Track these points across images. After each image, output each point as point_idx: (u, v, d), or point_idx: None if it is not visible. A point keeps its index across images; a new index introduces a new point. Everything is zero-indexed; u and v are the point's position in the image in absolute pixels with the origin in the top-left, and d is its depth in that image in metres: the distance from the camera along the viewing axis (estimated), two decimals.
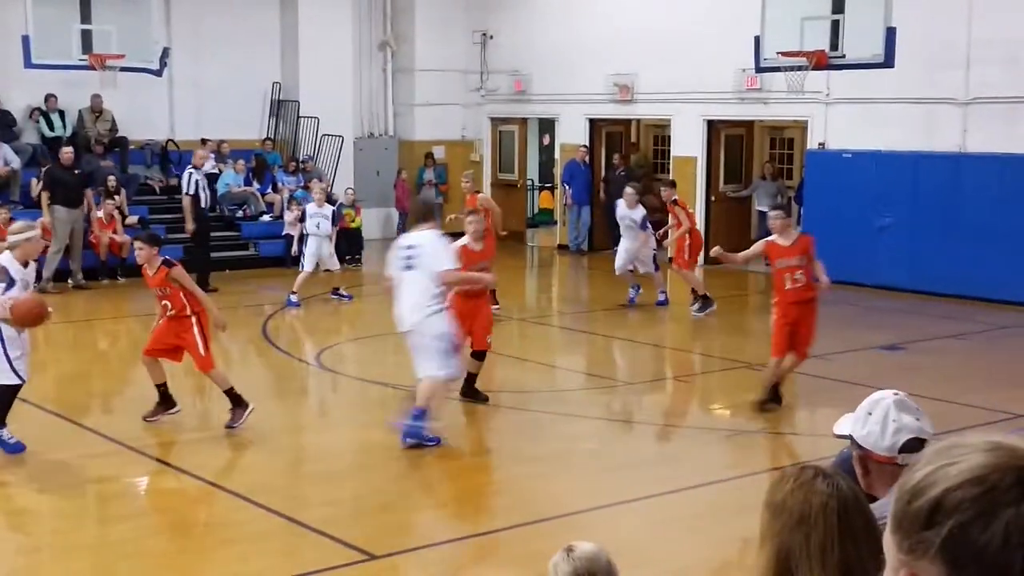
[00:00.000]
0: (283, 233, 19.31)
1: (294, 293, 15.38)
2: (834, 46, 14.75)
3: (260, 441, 9.36)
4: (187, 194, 16.73)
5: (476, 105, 23.46)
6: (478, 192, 15.61)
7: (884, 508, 2.61)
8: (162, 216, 19.44)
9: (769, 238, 10.41)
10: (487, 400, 10.39)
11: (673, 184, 16.31)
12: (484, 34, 22.98)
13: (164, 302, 9.38)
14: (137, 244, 9.59)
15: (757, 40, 15.17)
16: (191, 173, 16.88)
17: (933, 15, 15.99)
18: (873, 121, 17.04)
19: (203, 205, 16.97)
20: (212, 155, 20.33)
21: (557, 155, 22.77)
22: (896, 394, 3.41)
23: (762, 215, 20.39)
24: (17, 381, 8.51)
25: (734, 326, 14.95)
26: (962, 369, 12.15)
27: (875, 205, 16.86)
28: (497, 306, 14.84)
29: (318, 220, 15.81)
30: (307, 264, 15.69)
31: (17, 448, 8.60)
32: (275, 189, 20.36)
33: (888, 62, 14.12)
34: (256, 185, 20.24)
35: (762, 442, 9.56)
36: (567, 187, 21.73)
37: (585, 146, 21.66)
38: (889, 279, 16.68)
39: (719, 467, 8.96)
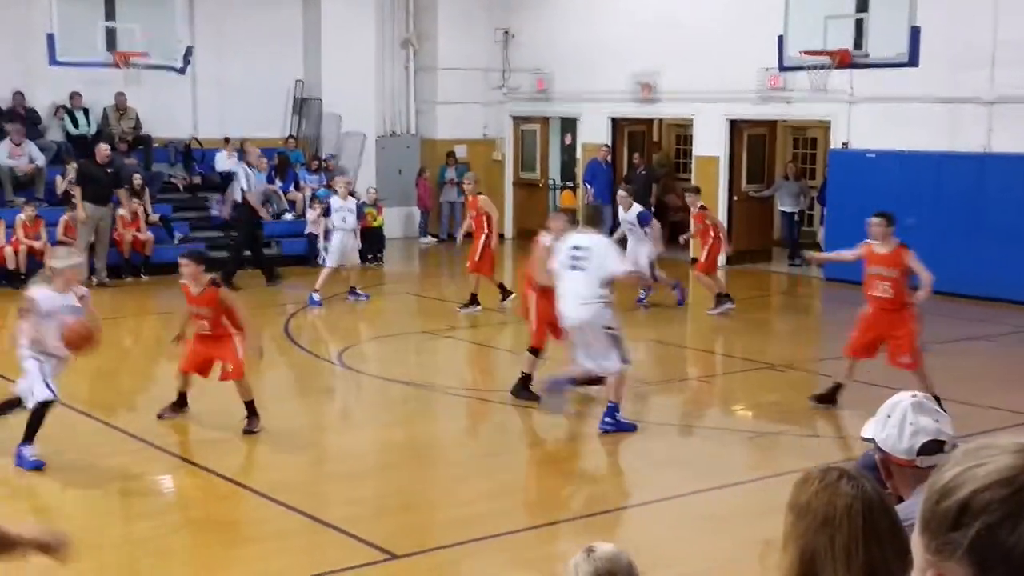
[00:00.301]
0: (305, 232, 19.36)
1: (316, 291, 15.39)
2: (858, 45, 14.70)
3: (283, 440, 9.39)
4: (244, 189, 17.46)
5: (498, 104, 23.47)
6: (480, 195, 15.57)
7: (909, 509, 2.60)
8: (185, 214, 19.56)
9: (868, 241, 10.16)
10: (540, 400, 10.28)
11: (698, 191, 16.23)
12: (506, 32, 22.98)
13: (202, 321, 9.37)
14: (183, 261, 9.56)
15: (780, 39, 15.13)
16: (244, 168, 17.69)
17: (958, 15, 15.89)
18: (897, 121, 16.95)
19: (248, 201, 17.51)
20: (236, 153, 20.46)
21: (579, 154, 22.75)
22: (914, 396, 3.41)
23: (784, 215, 20.36)
24: (51, 396, 8.42)
25: (756, 326, 14.90)
26: (987, 371, 12.08)
27: (899, 206, 16.73)
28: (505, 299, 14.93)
29: (344, 214, 15.70)
30: (330, 260, 15.67)
31: (36, 465, 8.39)
32: (297, 187, 20.42)
33: (912, 61, 14.06)
34: (279, 183, 20.30)
35: (784, 443, 9.53)
36: (589, 186, 21.69)
37: (607, 145, 21.63)
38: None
39: (741, 468, 8.94)
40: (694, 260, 16.07)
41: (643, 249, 14.92)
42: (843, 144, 18.04)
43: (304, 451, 9.41)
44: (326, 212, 16.49)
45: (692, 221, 16.09)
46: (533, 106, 23.05)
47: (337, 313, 15.55)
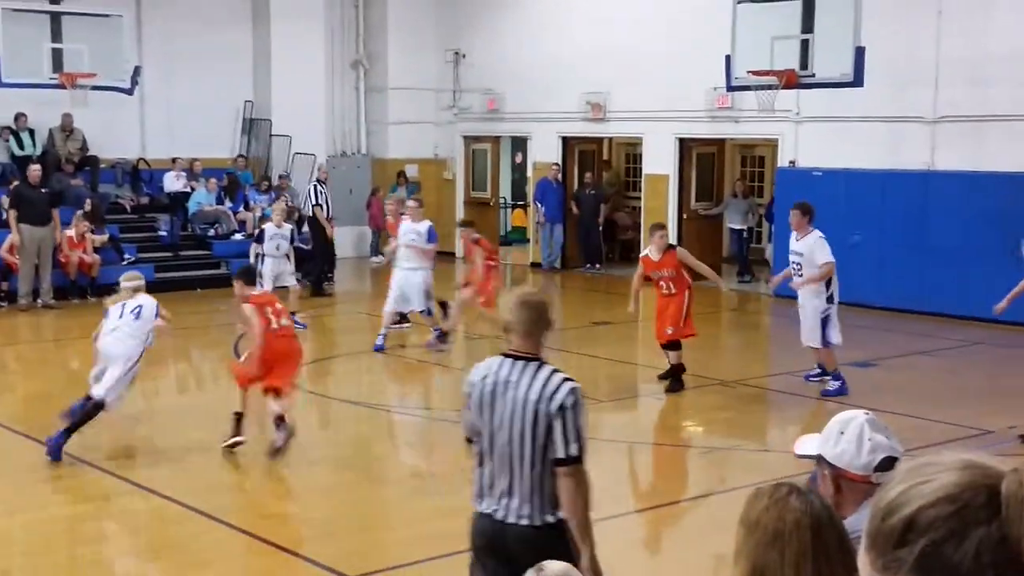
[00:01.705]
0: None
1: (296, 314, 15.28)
2: (804, 65, 14.87)
3: (233, 461, 9.31)
4: (315, 205, 18.53)
5: (449, 123, 23.51)
6: (403, 214, 15.24)
7: (854, 524, 2.63)
8: (133, 235, 19.38)
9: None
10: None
11: (471, 224, 15.14)
12: (456, 53, 23.05)
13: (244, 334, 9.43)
14: (236, 281, 9.88)
15: (728, 59, 15.29)
16: (316, 186, 18.78)
17: (901, 35, 16.17)
18: (843, 139, 17.20)
19: (328, 216, 18.73)
20: (184, 173, 20.33)
21: (530, 173, 22.84)
22: (867, 413, 3.44)
23: (733, 232, 20.56)
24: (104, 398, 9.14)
25: (707, 343, 14.99)
26: (933, 385, 12.24)
27: (845, 223, 16.99)
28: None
29: (278, 241, 15.33)
30: (266, 284, 15.37)
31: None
32: (247, 208, 20.32)
33: (857, 81, 14.25)
34: (228, 204, 20.18)
35: (736, 459, 9.59)
36: (540, 205, 21.80)
37: (557, 164, 21.74)
38: (860, 296, 16.76)
39: (693, 484, 8.98)
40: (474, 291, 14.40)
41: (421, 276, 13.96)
42: (790, 162, 18.26)
43: (254, 472, 9.33)
44: (258, 238, 16.18)
45: (471, 255, 14.73)
46: (484, 126, 23.12)
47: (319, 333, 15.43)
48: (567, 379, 4.61)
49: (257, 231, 16.75)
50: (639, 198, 21.36)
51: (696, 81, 18.46)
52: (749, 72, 15.10)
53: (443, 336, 13.93)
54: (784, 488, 2.55)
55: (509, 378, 4.58)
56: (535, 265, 22.29)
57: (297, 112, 21.44)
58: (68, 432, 8.89)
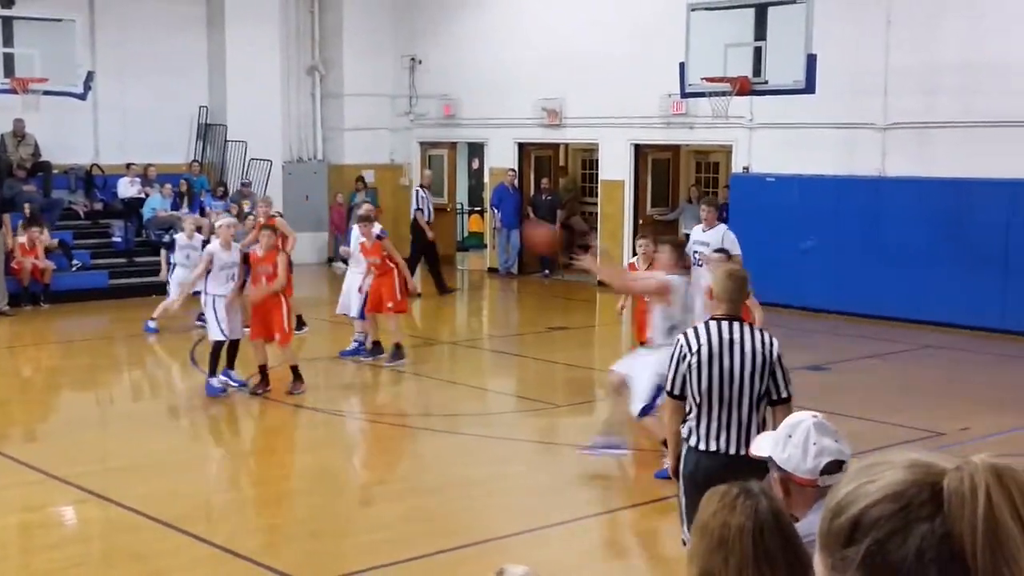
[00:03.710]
0: None
1: (153, 320, 15.12)
2: (757, 72, 15.03)
3: (188, 468, 9.26)
4: (417, 210, 19.24)
5: (405, 129, 23.48)
6: (277, 215, 15.22)
7: (807, 528, 2.67)
8: (86, 242, 19.19)
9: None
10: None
11: (370, 219, 13.72)
12: (413, 59, 23.03)
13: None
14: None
15: (682, 66, 15.41)
16: (418, 191, 19.57)
17: (852, 43, 16.36)
18: (795, 146, 17.37)
19: (428, 220, 19.31)
20: (138, 179, 20.16)
21: (486, 179, 22.86)
22: (815, 416, 3.47)
23: (688, 238, 20.66)
24: (222, 338, 11.38)
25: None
26: (885, 388, 12.39)
27: (798, 228, 17.17)
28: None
29: (188, 251, 15.21)
30: (172, 292, 15.08)
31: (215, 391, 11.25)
32: (203, 213, 20.17)
33: (809, 88, 14.42)
34: (184, 209, 20.04)
35: None
36: (496, 211, 21.82)
37: (513, 170, 21.77)
38: (813, 301, 16.97)
39: (647, 488, 9.03)
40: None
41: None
42: (744, 168, 18.42)
43: (210, 480, 9.29)
44: (169, 247, 16.06)
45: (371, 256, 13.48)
46: (440, 132, 23.11)
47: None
48: (771, 335, 5.68)
49: (168, 240, 16.68)
50: (595, 203, 21.45)
51: (651, 87, 18.57)
52: (703, 79, 15.22)
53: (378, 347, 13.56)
54: (734, 491, 2.58)
55: (732, 336, 5.53)
56: (492, 270, 22.31)
57: (253, 118, 21.32)
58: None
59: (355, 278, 13.66)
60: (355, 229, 13.72)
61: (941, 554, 1.31)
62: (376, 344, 13.38)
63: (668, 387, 5.73)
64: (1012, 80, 15.19)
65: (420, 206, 19.42)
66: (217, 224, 12.37)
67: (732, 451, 5.52)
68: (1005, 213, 15.28)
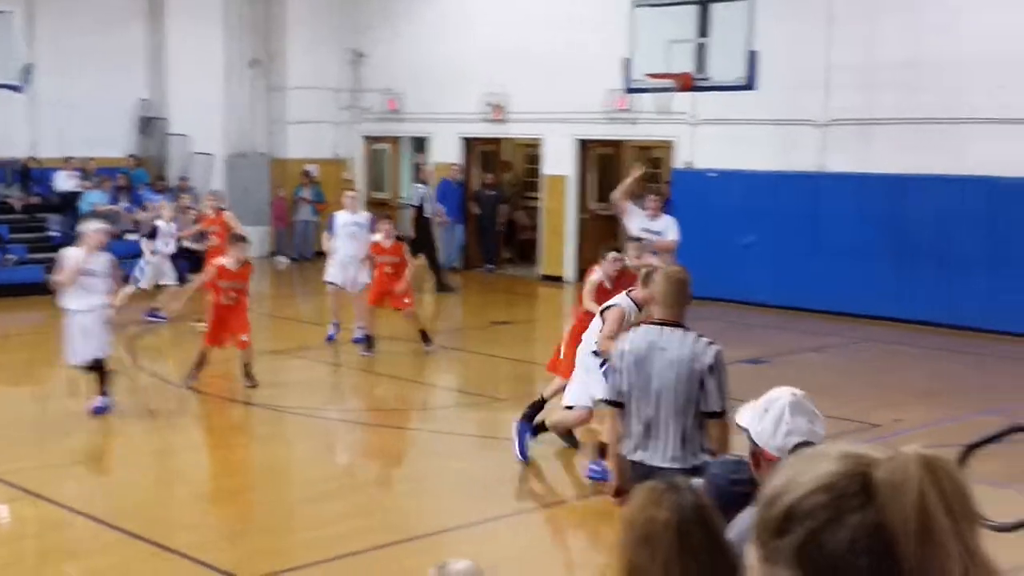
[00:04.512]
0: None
1: (160, 310, 15.20)
2: (699, 68, 15.11)
3: (123, 465, 9.14)
4: (416, 206, 18.90)
5: (349, 123, 23.35)
6: (224, 210, 15.28)
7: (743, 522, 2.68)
8: (23, 236, 18.87)
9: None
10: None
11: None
12: (356, 52, 22.90)
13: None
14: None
15: (626, 62, 15.46)
16: (417, 187, 19.36)
17: (793, 40, 16.52)
18: (737, 141, 17.52)
19: (426, 215, 18.94)
20: (76, 173, 19.86)
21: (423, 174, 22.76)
22: (794, 395, 3.44)
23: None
24: (74, 361, 10.46)
25: None
26: (821, 381, 12.48)
27: (740, 223, 17.32)
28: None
29: (167, 238, 15.51)
30: (143, 282, 15.33)
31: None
32: (143, 208, 19.91)
33: (751, 85, 14.53)
34: (124, 204, 19.77)
35: None
36: (441, 205, 21.74)
37: (456, 164, 21.73)
38: (754, 295, 17.13)
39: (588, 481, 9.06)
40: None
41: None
42: (686, 164, 18.53)
43: (147, 476, 9.18)
44: (152, 235, 15.99)
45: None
46: (384, 126, 23.01)
47: (183, 334, 15.19)
48: (711, 343, 5.32)
49: (151, 228, 16.53)
50: (538, 199, 21.46)
51: (595, 83, 18.62)
52: (647, 75, 15.29)
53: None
54: (660, 487, 2.59)
55: (660, 342, 5.26)
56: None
57: (194, 111, 21.09)
58: None
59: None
60: (339, 216, 14.25)
61: (872, 544, 1.32)
62: (370, 337, 13.57)
63: (604, 393, 5.58)
64: (950, 78, 15.43)
65: (419, 202, 19.15)
66: (89, 229, 10.56)
67: (655, 463, 5.27)
68: (942, 208, 15.52)
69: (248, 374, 11.63)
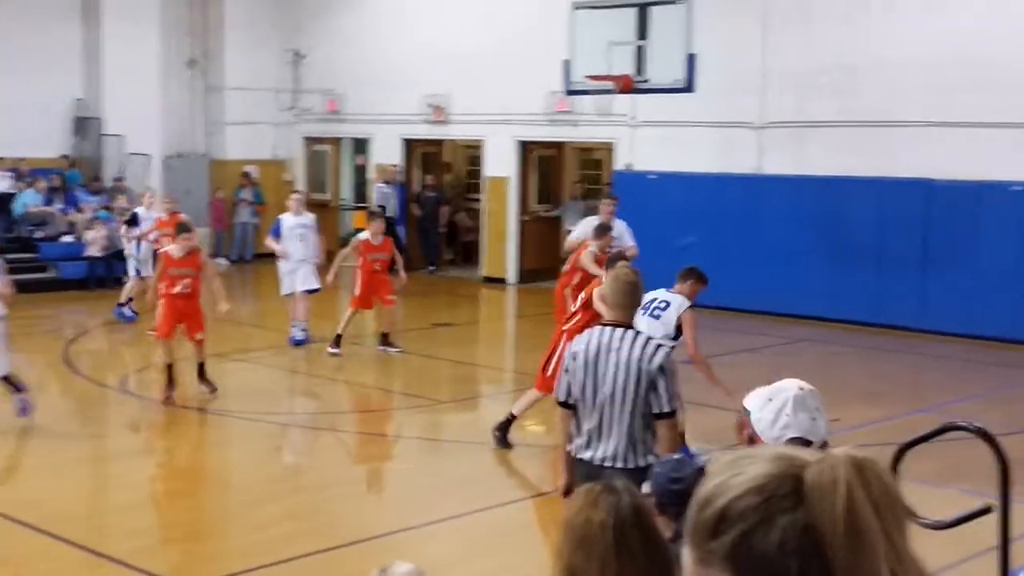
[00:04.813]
0: (85, 254, 18.60)
1: (126, 304, 15.06)
2: (639, 71, 15.23)
3: (59, 470, 8.99)
4: (379, 206, 18.40)
5: (288, 124, 23.18)
6: (176, 213, 15.20)
7: None
8: None
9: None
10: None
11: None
12: (295, 52, 22.74)
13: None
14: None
15: (566, 64, 15.53)
16: (379, 187, 19.87)
17: (730, 44, 16.68)
18: (676, 144, 17.64)
19: (389, 214, 18.47)
20: (9, 174, 19.52)
21: (371, 175, 22.68)
22: (800, 389, 3.44)
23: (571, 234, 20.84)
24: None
25: (545, 343, 15.17)
26: (756, 381, 12.54)
27: (680, 225, 17.44)
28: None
29: (150, 223, 15.40)
30: (144, 271, 15.12)
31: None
32: (78, 209, 19.63)
33: (689, 87, 14.68)
34: (57, 205, 19.47)
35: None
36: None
37: (395, 165, 21.65)
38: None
39: (534, 483, 9.09)
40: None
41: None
42: (626, 166, 18.63)
43: (82, 481, 9.04)
44: (132, 222, 15.73)
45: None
46: (324, 127, 22.88)
47: (120, 338, 15.00)
48: (660, 345, 5.46)
49: (131, 216, 16.17)
50: (480, 200, 21.47)
51: (536, 85, 18.67)
52: (587, 77, 15.38)
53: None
54: (597, 489, 2.60)
55: (611, 343, 5.32)
56: None
57: (130, 111, 20.81)
58: None
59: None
60: (285, 219, 14.13)
61: (802, 545, 1.32)
62: (339, 337, 13.57)
63: (555, 394, 5.64)
64: (885, 81, 15.67)
65: (382, 203, 19.08)
66: None
67: (603, 463, 5.34)
68: (877, 210, 15.76)
69: (204, 378, 11.40)
